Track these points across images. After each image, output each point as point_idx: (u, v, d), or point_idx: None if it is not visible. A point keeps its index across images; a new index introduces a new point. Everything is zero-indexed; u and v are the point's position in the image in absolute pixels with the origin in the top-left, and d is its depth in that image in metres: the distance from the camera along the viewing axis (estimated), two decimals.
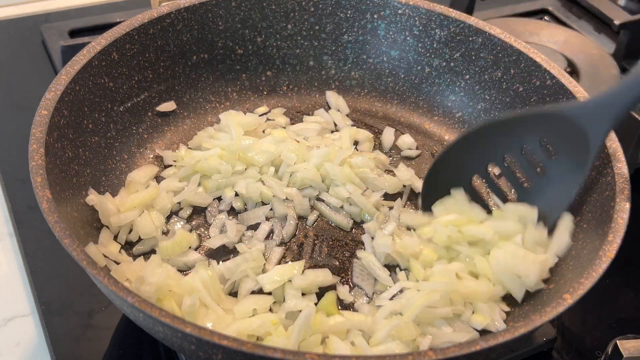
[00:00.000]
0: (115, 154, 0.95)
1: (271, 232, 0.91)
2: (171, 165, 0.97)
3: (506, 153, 0.88)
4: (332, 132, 1.06)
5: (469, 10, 1.27)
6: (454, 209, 0.87)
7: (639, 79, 0.76)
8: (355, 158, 0.96)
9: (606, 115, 0.78)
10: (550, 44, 1.27)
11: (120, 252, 0.85)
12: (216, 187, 0.93)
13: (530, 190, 0.88)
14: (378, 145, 1.06)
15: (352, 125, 1.07)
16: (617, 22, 1.24)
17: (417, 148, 1.05)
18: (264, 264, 0.85)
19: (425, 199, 0.91)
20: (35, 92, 0.89)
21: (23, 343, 0.86)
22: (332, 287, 0.84)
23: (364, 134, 1.05)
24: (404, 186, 0.98)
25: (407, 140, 1.05)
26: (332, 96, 1.10)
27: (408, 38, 1.08)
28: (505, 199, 0.91)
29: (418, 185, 0.98)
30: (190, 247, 0.87)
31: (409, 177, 0.98)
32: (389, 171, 1.00)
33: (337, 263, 0.88)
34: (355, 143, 1.04)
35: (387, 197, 0.96)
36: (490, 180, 0.92)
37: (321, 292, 0.83)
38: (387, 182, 0.96)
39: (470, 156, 0.89)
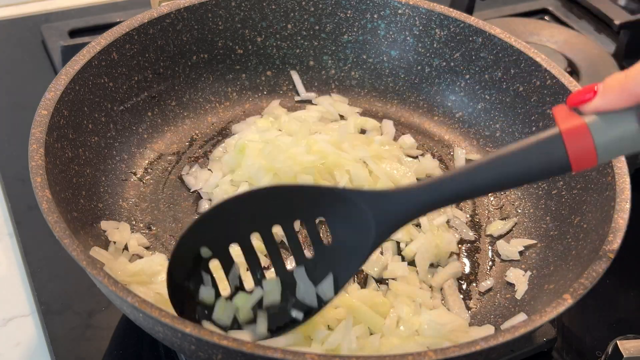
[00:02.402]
0: (115, 154, 0.95)
1: None
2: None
3: (275, 224, 0.72)
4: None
5: (469, 10, 1.27)
6: None
7: (433, 189, 0.68)
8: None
9: (393, 213, 0.69)
10: (550, 44, 1.27)
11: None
12: None
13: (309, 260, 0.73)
14: None
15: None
16: (617, 22, 1.24)
17: (417, 148, 1.05)
18: None
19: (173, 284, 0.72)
20: (35, 92, 0.89)
21: (23, 343, 0.86)
22: None
23: (371, 123, 1.05)
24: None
25: (408, 141, 1.05)
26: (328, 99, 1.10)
27: (408, 38, 1.08)
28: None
29: None
30: None
31: (435, 166, 1.00)
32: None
33: None
34: (362, 132, 1.04)
35: None
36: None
37: None
38: (414, 165, 0.97)
39: (234, 224, 0.72)
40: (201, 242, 0.71)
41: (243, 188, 0.92)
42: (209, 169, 0.98)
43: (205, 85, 1.07)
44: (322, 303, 0.71)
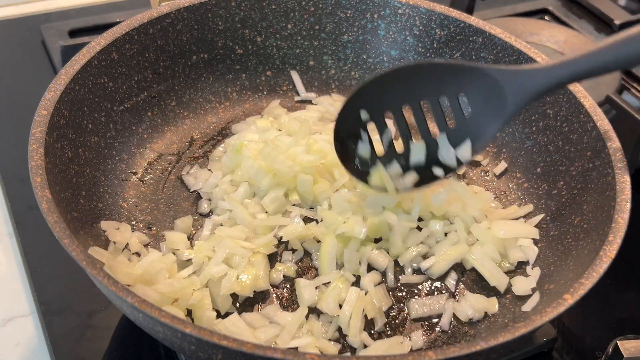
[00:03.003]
0: (115, 154, 0.95)
1: None
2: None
3: (424, 99, 0.86)
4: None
5: (469, 10, 1.27)
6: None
7: (563, 67, 0.78)
8: None
9: (525, 88, 0.80)
10: (550, 43, 1.27)
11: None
12: None
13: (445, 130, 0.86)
14: None
15: None
16: (617, 22, 1.24)
17: None
18: None
19: (339, 126, 0.87)
20: (35, 92, 0.89)
21: (23, 343, 0.86)
22: None
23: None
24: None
25: None
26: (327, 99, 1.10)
27: (408, 38, 1.08)
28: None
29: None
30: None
31: None
32: None
33: None
34: None
35: None
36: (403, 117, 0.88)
37: None
38: None
39: (390, 94, 0.86)
40: (361, 106, 0.86)
41: (243, 188, 0.92)
42: (209, 169, 0.98)
43: (205, 85, 1.07)
44: (460, 163, 0.85)
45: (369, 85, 0.86)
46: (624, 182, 0.81)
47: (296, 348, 0.77)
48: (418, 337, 0.80)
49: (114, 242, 0.85)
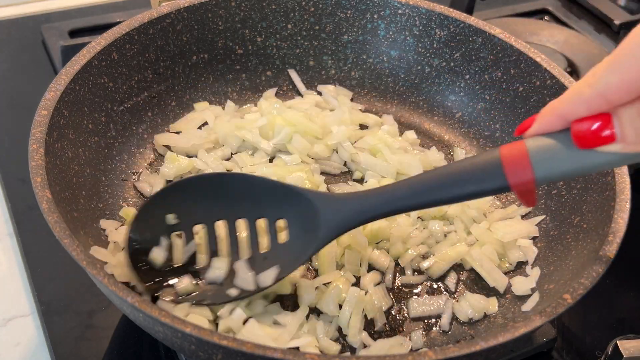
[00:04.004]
0: (115, 154, 0.95)
1: None
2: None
3: (242, 217, 0.79)
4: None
5: (469, 10, 1.27)
6: None
7: (386, 195, 0.73)
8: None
9: (341, 218, 0.74)
10: (550, 44, 1.27)
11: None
12: None
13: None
14: None
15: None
16: (617, 22, 1.24)
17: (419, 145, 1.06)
18: None
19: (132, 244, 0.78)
20: (35, 92, 0.89)
21: (23, 343, 0.86)
22: None
23: (372, 119, 1.06)
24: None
25: (410, 137, 1.05)
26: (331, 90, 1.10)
27: (408, 38, 1.08)
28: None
29: None
30: None
31: (440, 159, 1.01)
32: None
33: None
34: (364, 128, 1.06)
35: None
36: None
37: None
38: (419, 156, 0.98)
39: (205, 203, 0.79)
40: (169, 210, 0.78)
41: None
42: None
43: (205, 85, 1.07)
44: (259, 289, 0.77)
45: (181, 184, 0.79)
46: (624, 182, 0.81)
47: (297, 348, 0.77)
48: (418, 337, 0.80)
49: (114, 242, 0.85)
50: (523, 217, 0.94)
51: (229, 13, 1.05)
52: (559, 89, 0.94)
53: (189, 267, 0.79)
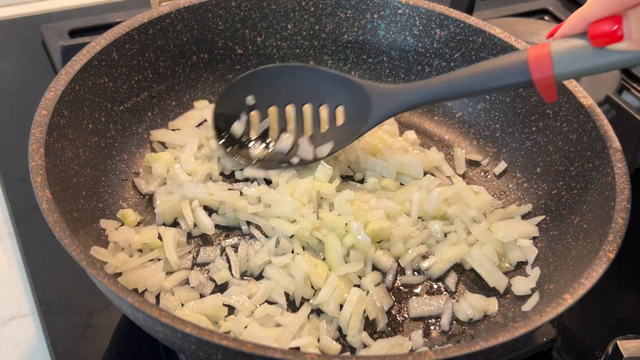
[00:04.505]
0: (115, 154, 0.95)
1: None
2: None
3: (308, 102, 0.95)
4: None
5: (469, 10, 1.27)
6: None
7: (427, 88, 0.87)
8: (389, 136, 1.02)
9: (388, 105, 0.89)
10: None
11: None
12: None
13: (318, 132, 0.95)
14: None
15: None
16: None
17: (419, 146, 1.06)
18: None
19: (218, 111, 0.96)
20: (35, 92, 0.89)
21: (23, 343, 0.86)
22: None
23: None
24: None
25: (411, 137, 1.05)
26: None
27: (408, 38, 1.08)
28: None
29: (445, 168, 1.01)
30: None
31: (440, 158, 1.01)
32: None
33: None
34: None
35: None
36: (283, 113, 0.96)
37: None
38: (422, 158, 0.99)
39: (278, 88, 0.95)
40: (250, 91, 0.96)
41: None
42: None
43: (205, 85, 1.07)
44: (316, 158, 0.92)
45: (260, 72, 0.96)
46: (624, 182, 0.81)
47: (298, 348, 0.77)
48: (418, 337, 0.80)
49: (114, 242, 0.85)
50: (523, 217, 0.94)
51: (229, 13, 1.05)
52: (559, 88, 0.94)
53: (262, 139, 0.96)
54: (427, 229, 0.90)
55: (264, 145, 0.95)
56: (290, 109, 0.96)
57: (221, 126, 0.96)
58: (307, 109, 0.95)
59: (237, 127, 0.96)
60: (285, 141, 0.94)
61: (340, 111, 0.93)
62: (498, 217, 0.93)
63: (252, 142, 0.96)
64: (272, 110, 0.96)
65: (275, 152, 0.95)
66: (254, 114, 0.96)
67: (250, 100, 0.96)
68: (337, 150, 0.92)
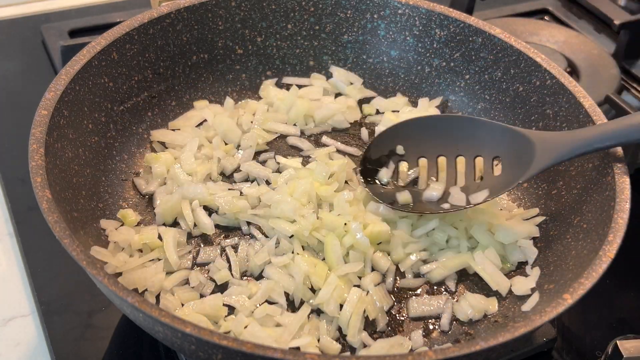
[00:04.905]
0: (115, 154, 0.95)
1: None
2: None
3: (462, 155, 0.91)
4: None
5: (469, 10, 1.27)
6: None
7: (596, 135, 0.82)
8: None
9: (553, 153, 0.83)
10: (550, 44, 1.27)
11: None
12: None
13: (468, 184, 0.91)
14: None
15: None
16: (617, 22, 1.24)
17: None
18: None
19: (367, 157, 0.94)
20: (35, 92, 0.89)
21: (23, 343, 0.86)
22: None
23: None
24: None
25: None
26: (338, 71, 1.11)
27: (408, 38, 1.08)
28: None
29: None
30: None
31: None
32: None
33: None
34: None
35: None
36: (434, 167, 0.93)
37: None
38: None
39: (429, 139, 0.92)
40: (399, 142, 0.94)
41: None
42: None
43: (205, 85, 1.07)
44: (469, 204, 0.88)
45: (412, 122, 0.93)
46: (624, 182, 0.81)
47: (298, 348, 0.77)
48: (418, 337, 0.80)
49: (114, 242, 0.85)
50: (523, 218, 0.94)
51: (229, 13, 1.05)
52: (559, 88, 0.94)
53: (410, 187, 0.93)
54: (429, 237, 0.90)
55: (411, 192, 0.91)
56: (442, 161, 0.92)
57: (368, 173, 0.94)
58: (461, 161, 0.91)
59: (384, 174, 0.94)
60: (436, 191, 0.91)
61: (497, 162, 0.89)
62: (499, 218, 0.93)
63: (400, 189, 0.92)
64: (423, 161, 0.94)
65: (424, 199, 0.91)
66: (404, 163, 0.94)
67: (399, 149, 0.94)
68: (492, 199, 0.87)
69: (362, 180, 0.93)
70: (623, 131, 0.81)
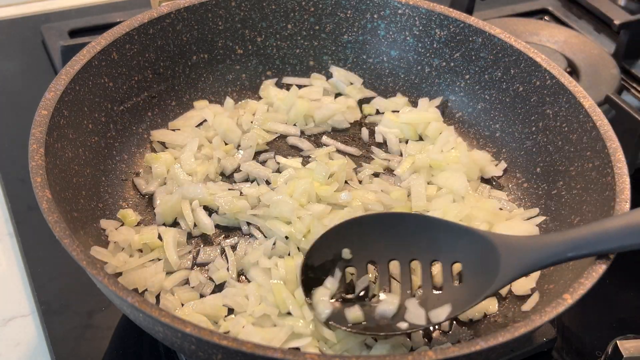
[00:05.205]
0: (115, 154, 0.95)
1: None
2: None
3: (417, 258, 0.80)
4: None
5: (469, 10, 1.27)
6: None
7: (562, 247, 0.73)
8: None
9: (523, 261, 0.74)
10: (550, 44, 1.27)
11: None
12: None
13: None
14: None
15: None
16: (617, 22, 1.24)
17: None
18: None
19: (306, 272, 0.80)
20: (35, 92, 0.89)
21: (23, 343, 0.86)
22: None
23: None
24: None
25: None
26: (337, 71, 1.11)
27: (408, 38, 1.08)
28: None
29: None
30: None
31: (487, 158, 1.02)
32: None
33: None
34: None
35: None
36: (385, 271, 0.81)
37: None
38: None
39: (379, 241, 0.81)
40: (345, 244, 0.81)
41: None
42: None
43: (205, 86, 1.07)
44: (431, 323, 0.76)
45: (358, 221, 0.82)
46: (624, 182, 0.80)
47: (297, 348, 0.77)
48: (418, 337, 0.80)
49: (114, 242, 0.85)
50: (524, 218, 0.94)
51: (229, 13, 1.05)
52: (559, 89, 0.94)
53: (360, 300, 0.79)
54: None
55: (362, 306, 0.78)
56: (394, 266, 0.81)
57: (310, 282, 0.79)
58: (416, 266, 0.80)
59: (330, 284, 0.79)
60: (390, 304, 0.78)
61: (457, 268, 0.78)
62: (500, 218, 0.93)
63: (348, 303, 0.79)
64: (372, 267, 0.82)
65: (377, 315, 0.78)
66: (350, 270, 0.81)
67: (346, 254, 0.81)
68: (454, 316, 0.76)
69: (303, 291, 0.78)
70: (600, 238, 0.72)
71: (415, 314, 0.77)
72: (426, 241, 0.80)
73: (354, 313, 0.77)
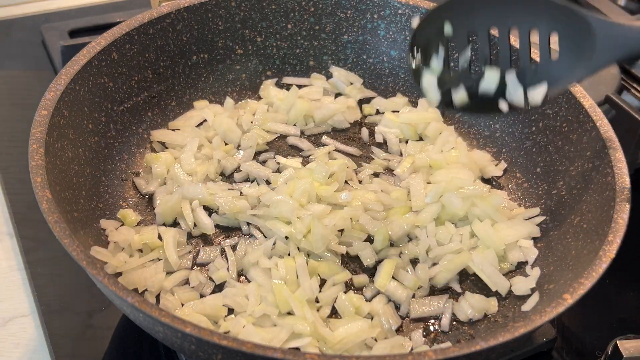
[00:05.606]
0: (115, 154, 0.95)
1: None
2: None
3: (515, 26, 0.82)
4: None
5: None
6: None
7: None
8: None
9: (620, 44, 0.75)
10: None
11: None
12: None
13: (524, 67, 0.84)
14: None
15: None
16: None
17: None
18: None
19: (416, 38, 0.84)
20: (35, 92, 0.89)
21: (23, 343, 0.86)
22: None
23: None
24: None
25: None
26: (337, 71, 1.11)
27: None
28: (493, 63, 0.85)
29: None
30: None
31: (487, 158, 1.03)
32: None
33: None
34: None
35: None
36: (487, 43, 0.84)
37: None
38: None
39: (479, 12, 0.82)
40: (447, 18, 0.82)
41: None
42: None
43: (205, 86, 1.07)
44: (529, 106, 0.80)
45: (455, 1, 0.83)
46: (624, 182, 0.81)
47: (297, 348, 0.77)
48: (418, 337, 0.80)
49: (114, 242, 0.85)
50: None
51: (229, 13, 1.05)
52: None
53: (464, 76, 0.84)
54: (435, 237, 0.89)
55: (466, 85, 0.84)
56: (494, 33, 0.83)
57: (418, 65, 0.84)
58: (514, 34, 0.82)
59: (436, 64, 0.84)
60: (491, 79, 0.82)
61: (554, 40, 0.79)
62: (501, 217, 0.93)
63: (454, 84, 0.84)
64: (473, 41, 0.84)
65: (480, 93, 0.82)
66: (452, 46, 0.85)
67: (447, 29, 0.83)
68: (551, 96, 0.79)
69: (414, 77, 0.85)
70: None
71: (514, 92, 0.81)
72: (523, 9, 0.80)
73: (460, 95, 0.83)
